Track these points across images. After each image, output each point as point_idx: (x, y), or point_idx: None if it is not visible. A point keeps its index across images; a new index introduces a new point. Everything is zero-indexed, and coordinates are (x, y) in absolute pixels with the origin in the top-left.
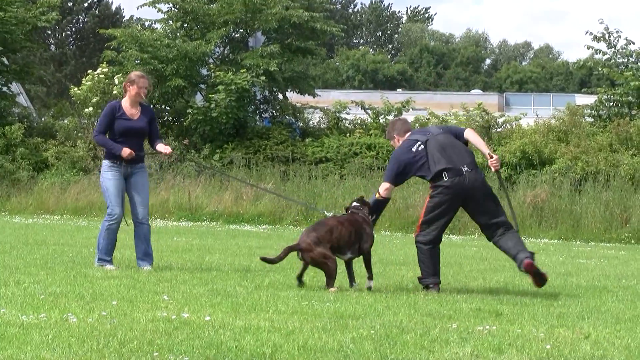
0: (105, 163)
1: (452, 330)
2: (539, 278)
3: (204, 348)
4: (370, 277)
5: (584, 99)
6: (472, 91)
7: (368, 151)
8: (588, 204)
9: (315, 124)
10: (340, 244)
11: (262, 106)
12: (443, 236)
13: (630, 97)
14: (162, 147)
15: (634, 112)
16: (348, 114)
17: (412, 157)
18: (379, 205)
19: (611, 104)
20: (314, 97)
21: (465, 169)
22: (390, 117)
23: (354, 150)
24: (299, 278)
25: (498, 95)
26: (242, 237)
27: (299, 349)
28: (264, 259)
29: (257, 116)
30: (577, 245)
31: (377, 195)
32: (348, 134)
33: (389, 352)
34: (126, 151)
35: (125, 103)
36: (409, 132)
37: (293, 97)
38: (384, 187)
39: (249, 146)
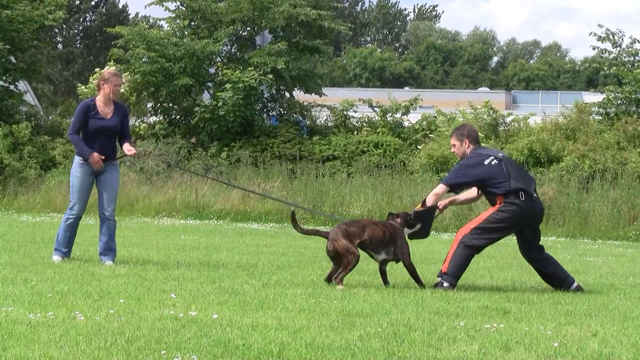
0: (77, 160)
1: (459, 328)
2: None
3: (211, 346)
4: (421, 286)
5: (591, 97)
6: (480, 89)
7: (375, 149)
8: (596, 201)
9: (323, 122)
10: (373, 242)
11: (269, 104)
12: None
13: (638, 95)
14: (126, 148)
15: None
16: (355, 112)
17: (485, 170)
18: (430, 213)
19: (619, 102)
20: (321, 96)
21: (535, 195)
22: (398, 115)
23: (361, 148)
24: (329, 279)
25: (505, 93)
26: (249, 236)
27: (307, 346)
28: (294, 217)
29: (265, 114)
30: (584, 243)
31: (431, 200)
32: (355, 132)
33: (397, 350)
34: (95, 157)
35: (99, 102)
36: (478, 145)
37: (300, 95)
38: (440, 189)
39: (256, 144)
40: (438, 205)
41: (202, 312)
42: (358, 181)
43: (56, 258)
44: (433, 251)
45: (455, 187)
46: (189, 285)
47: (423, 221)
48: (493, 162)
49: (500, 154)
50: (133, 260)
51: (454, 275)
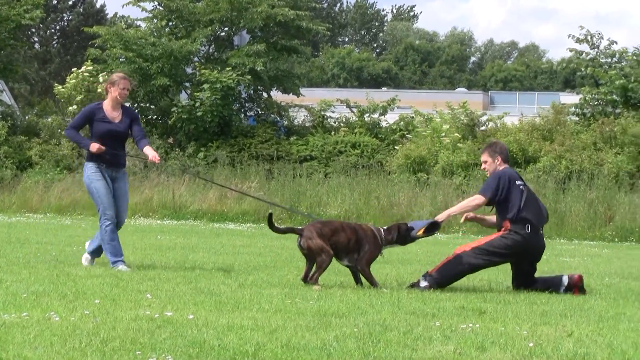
0: (90, 165)
1: (435, 328)
2: (582, 291)
3: (186, 346)
4: (376, 286)
5: (568, 98)
6: (457, 89)
7: (353, 149)
8: (572, 202)
9: (300, 122)
10: (337, 247)
11: (247, 105)
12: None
13: (614, 96)
14: (149, 151)
15: (618, 111)
16: (333, 112)
17: (515, 188)
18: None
19: (596, 103)
20: (299, 96)
21: (541, 231)
22: (375, 116)
23: (339, 148)
24: (305, 280)
25: (483, 94)
26: (226, 236)
27: (282, 347)
28: (270, 219)
29: (242, 115)
30: (561, 243)
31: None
32: (333, 132)
33: (372, 350)
34: (95, 146)
35: (107, 105)
36: (508, 164)
37: (278, 95)
38: (477, 201)
39: (233, 144)
40: (466, 216)
41: (178, 313)
42: (335, 181)
43: (123, 267)
44: (409, 252)
45: (493, 198)
46: (165, 285)
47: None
48: (521, 187)
49: (526, 184)
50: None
51: (438, 280)
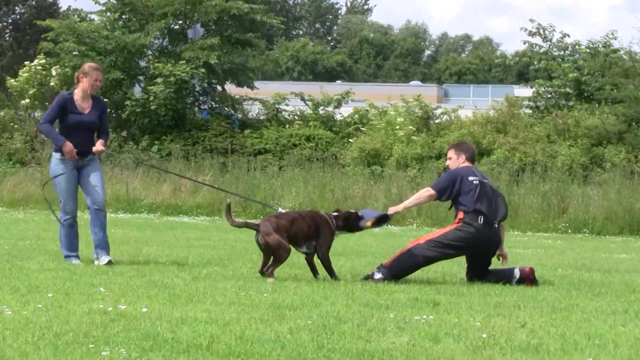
0: (56, 157)
1: (389, 320)
2: (534, 283)
3: (140, 339)
4: (335, 278)
5: (522, 91)
6: (411, 82)
7: (307, 142)
8: (526, 194)
9: (255, 115)
10: (297, 236)
11: (200, 98)
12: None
13: (567, 89)
14: (98, 144)
15: (571, 103)
16: (287, 105)
17: (467, 184)
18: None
19: (549, 95)
20: (253, 89)
21: (495, 225)
22: (330, 109)
23: (293, 141)
24: (262, 273)
25: (437, 87)
26: (180, 229)
27: (236, 339)
28: (229, 209)
29: (196, 108)
30: (514, 235)
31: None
32: (287, 126)
33: (326, 342)
34: (68, 146)
35: (77, 95)
36: (472, 165)
37: (232, 88)
38: (428, 193)
39: (187, 138)
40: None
41: (131, 306)
42: (290, 174)
43: (77, 262)
44: (364, 244)
45: (441, 192)
46: (119, 279)
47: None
48: (474, 182)
49: (486, 180)
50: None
51: (393, 272)
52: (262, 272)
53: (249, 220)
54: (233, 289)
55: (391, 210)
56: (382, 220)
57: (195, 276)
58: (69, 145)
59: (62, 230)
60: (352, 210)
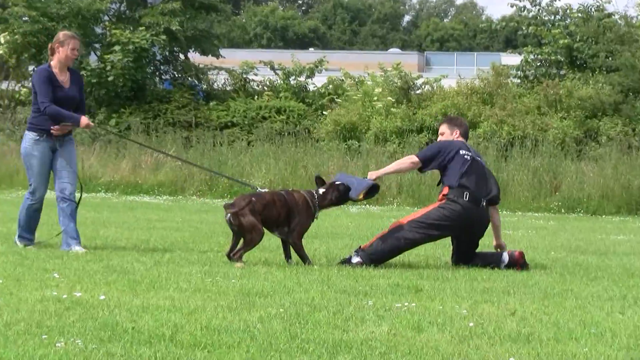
0: (31, 136)
1: (368, 307)
2: (525, 267)
3: (97, 329)
4: (308, 263)
5: (509, 59)
6: (390, 50)
7: (278, 115)
8: (515, 170)
9: (220, 86)
10: (267, 221)
11: (162, 67)
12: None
13: (558, 56)
14: (84, 120)
15: (563, 72)
16: (256, 75)
17: (458, 157)
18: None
19: (538, 63)
20: (219, 58)
21: (483, 203)
22: (302, 79)
23: (263, 114)
24: (229, 256)
25: (418, 54)
26: (140, 209)
27: (202, 329)
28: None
29: (157, 78)
30: (503, 215)
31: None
32: (256, 97)
33: (300, 332)
34: (84, 121)
35: (55, 68)
36: (465, 141)
37: (196, 57)
38: (410, 160)
39: (147, 110)
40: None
41: (88, 293)
42: (259, 150)
43: (20, 243)
44: (340, 225)
45: (426, 162)
46: (74, 263)
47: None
48: (466, 156)
49: (479, 158)
50: (12, 237)
51: (371, 256)
52: (229, 256)
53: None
54: (198, 274)
55: (372, 175)
56: (373, 190)
57: (157, 261)
58: (85, 120)
59: (25, 211)
60: (335, 182)
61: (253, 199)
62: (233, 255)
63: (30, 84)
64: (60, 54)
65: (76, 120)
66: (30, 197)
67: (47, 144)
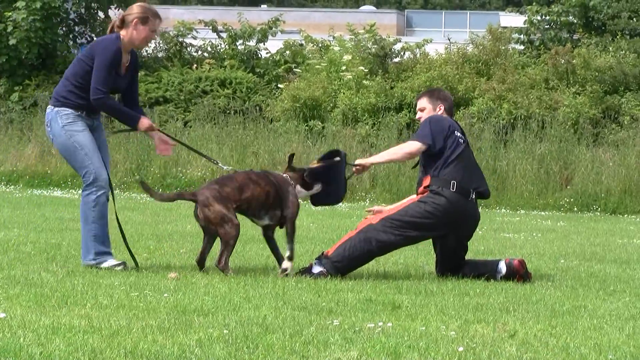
0: (69, 112)
1: (333, 328)
2: (526, 278)
3: None
4: (290, 257)
5: (510, 20)
6: (362, 8)
7: (222, 89)
8: (517, 159)
9: (150, 52)
10: (252, 205)
11: (76, 28)
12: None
13: (571, 17)
14: (160, 141)
15: (576, 36)
16: (194, 38)
17: (452, 138)
18: (333, 172)
19: (546, 26)
20: None
21: (473, 196)
22: (252, 43)
23: (203, 87)
24: (200, 262)
25: (397, 14)
26: (50, 206)
27: (126, 355)
28: (144, 185)
29: (71, 42)
30: (501, 214)
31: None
32: (195, 66)
33: (248, 358)
34: (145, 122)
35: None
36: (451, 116)
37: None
38: (411, 148)
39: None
40: (355, 166)
41: None
42: (198, 132)
43: (111, 262)
44: (299, 226)
45: (434, 145)
46: None
47: (325, 182)
48: (460, 140)
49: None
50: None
51: (337, 265)
52: (199, 263)
53: (183, 191)
54: (122, 287)
55: (358, 162)
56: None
57: (71, 270)
58: (145, 122)
59: (94, 212)
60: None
61: (218, 184)
62: (219, 264)
63: (79, 51)
64: (138, 32)
65: (135, 120)
66: (95, 188)
67: (86, 120)
